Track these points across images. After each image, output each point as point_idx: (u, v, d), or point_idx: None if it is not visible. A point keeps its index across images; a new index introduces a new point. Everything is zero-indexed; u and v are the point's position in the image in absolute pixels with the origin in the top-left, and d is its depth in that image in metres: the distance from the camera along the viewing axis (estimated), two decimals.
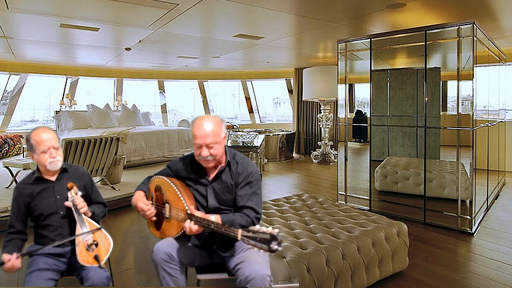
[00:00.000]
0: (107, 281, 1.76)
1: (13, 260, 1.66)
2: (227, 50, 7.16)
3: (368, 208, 4.49)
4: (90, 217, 1.92)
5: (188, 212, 1.75)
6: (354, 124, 5.12)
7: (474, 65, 3.61)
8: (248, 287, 1.67)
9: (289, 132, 9.27)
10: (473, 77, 3.61)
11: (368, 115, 4.62)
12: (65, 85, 9.79)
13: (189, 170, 1.96)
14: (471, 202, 3.75)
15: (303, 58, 8.41)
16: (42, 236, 1.91)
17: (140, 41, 6.04)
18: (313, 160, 8.50)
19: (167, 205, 1.89)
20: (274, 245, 1.42)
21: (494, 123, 5.01)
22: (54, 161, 1.86)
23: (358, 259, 2.39)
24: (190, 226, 1.71)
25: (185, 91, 13.29)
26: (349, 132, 4.83)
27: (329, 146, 8.46)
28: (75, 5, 4.11)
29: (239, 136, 6.06)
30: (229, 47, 6.81)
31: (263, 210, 2.98)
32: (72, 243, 1.86)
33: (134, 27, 5.12)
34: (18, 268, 1.69)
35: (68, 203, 1.87)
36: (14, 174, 5.09)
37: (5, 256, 1.66)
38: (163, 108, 11.13)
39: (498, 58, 5.14)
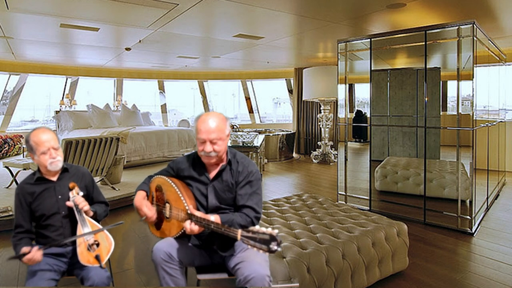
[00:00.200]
0: (107, 281, 1.77)
1: (34, 251, 1.66)
2: (227, 50, 7.16)
3: (368, 208, 4.49)
4: (92, 217, 1.92)
5: (189, 212, 1.75)
6: (354, 124, 5.12)
7: (474, 65, 3.61)
8: (247, 287, 1.67)
9: (289, 132, 9.27)
10: (473, 77, 3.61)
11: (368, 115, 4.63)
12: (65, 85, 9.79)
13: (191, 168, 1.96)
14: (471, 202, 3.75)
15: (303, 58, 8.41)
16: (44, 236, 1.91)
17: (140, 41, 6.04)
18: (313, 160, 8.50)
19: (167, 205, 1.89)
20: (273, 246, 1.42)
21: (494, 123, 5.01)
22: (54, 161, 1.86)
23: (358, 259, 2.39)
24: (191, 227, 1.71)
25: (185, 91, 13.31)
26: (349, 132, 4.83)
27: (329, 146, 8.46)
28: (75, 5, 4.11)
29: (239, 136, 6.06)
30: (229, 47, 6.81)
31: (263, 210, 2.98)
32: (73, 243, 1.86)
33: (134, 27, 5.12)
34: (39, 261, 1.69)
35: (69, 203, 1.87)
36: (14, 174, 5.10)
37: (25, 248, 1.67)
38: (163, 108, 11.13)
39: (498, 58, 5.14)
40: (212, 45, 6.63)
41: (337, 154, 6.11)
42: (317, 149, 8.75)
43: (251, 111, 11.70)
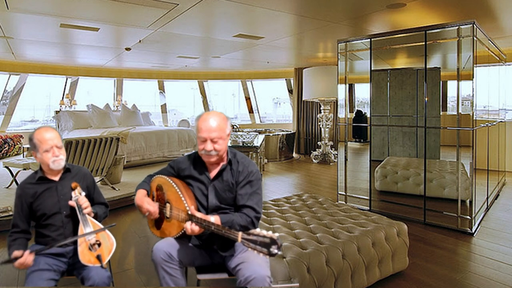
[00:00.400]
0: (108, 281, 1.77)
1: (25, 256, 1.66)
2: (227, 50, 7.16)
3: (368, 208, 4.49)
4: (93, 218, 1.92)
5: (189, 212, 1.75)
6: (354, 124, 5.12)
7: (474, 65, 3.61)
8: (248, 287, 1.67)
9: (289, 132, 9.27)
10: (473, 77, 3.61)
11: (368, 115, 4.63)
12: (65, 85, 9.79)
13: (192, 168, 1.97)
14: (471, 202, 3.75)
15: (303, 58, 8.41)
16: (44, 235, 1.91)
17: (140, 41, 6.04)
18: (313, 160, 8.50)
19: (168, 204, 1.89)
20: (274, 249, 1.42)
21: (494, 123, 5.01)
22: (57, 159, 1.87)
23: (358, 259, 2.39)
24: (192, 228, 1.71)
25: (185, 91, 13.31)
26: (349, 132, 4.83)
27: (329, 146, 8.46)
28: (75, 5, 4.11)
29: (239, 136, 6.06)
30: (229, 47, 6.81)
31: (263, 210, 2.98)
32: (74, 242, 1.86)
33: (134, 27, 5.12)
34: (30, 265, 1.69)
35: (72, 203, 1.87)
36: (14, 174, 5.10)
37: (17, 252, 1.66)
38: (163, 108, 11.13)
39: (498, 58, 5.14)
40: (212, 45, 6.63)
41: (337, 154, 6.11)
42: (317, 149, 8.75)
43: (251, 111, 11.70)
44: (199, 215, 1.73)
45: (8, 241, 1.84)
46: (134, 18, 4.67)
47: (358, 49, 4.66)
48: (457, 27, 3.71)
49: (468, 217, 3.71)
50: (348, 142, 4.84)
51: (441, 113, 4.47)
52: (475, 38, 3.63)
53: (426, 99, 4.08)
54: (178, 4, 4.06)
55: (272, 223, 2.74)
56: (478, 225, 3.86)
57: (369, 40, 4.42)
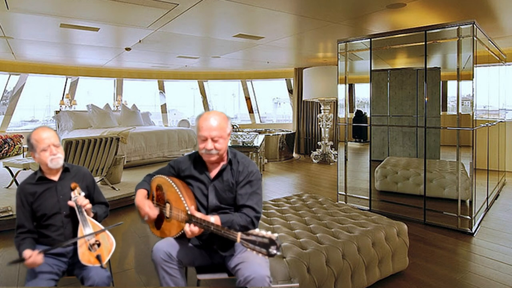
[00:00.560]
0: (108, 280, 1.77)
1: (34, 255, 1.67)
2: (227, 50, 7.16)
3: (368, 208, 4.49)
4: (92, 218, 1.92)
5: (189, 212, 1.75)
6: (354, 124, 5.12)
7: (474, 65, 3.61)
8: (247, 287, 1.67)
9: (289, 132, 9.27)
10: (473, 77, 3.61)
11: (368, 115, 4.63)
12: (65, 85, 9.79)
13: (192, 168, 1.97)
14: (471, 202, 3.75)
15: (303, 58, 8.41)
16: (45, 235, 1.92)
17: (140, 41, 6.04)
18: (313, 160, 8.50)
19: (167, 204, 1.89)
20: (273, 250, 1.42)
21: (494, 123, 5.01)
22: (55, 158, 1.87)
23: (358, 259, 2.39)
24: (191, 228, 1.71)
25: (185, 91, 13.31)
26: (349, 132, 4.83)
27: (329, 146, 8.46)
28: (75, 5, 4.11)
29: (239, 136, 6.06)
30: (229, 47, 6.81)
31: (263, 210, 2.98)
32: (74, 242, 1.87)
33: (134, 27, 5.12)
34: (39, 264, 1.70)
35: (71, 203, 1.88)
36: (14, 174, 5.10)
37: (27, 252, 1.67)
38: (163, 108, 11.13)
39: (498, 58, 5.14)
40: (212, 45, 6.63)
41: (337, 154, 6.11)
42: (317, 149, 8.75)
43: (251, 111, 11.70)
44: (198, 215, 1.73)
45: (16, 242, 1.84)
46: (134, 18, 4.67)
47: (358, 49, 4.66)
48: (457, 27, 3.71)
49: (468, 217, 3.71)
50: (348, 142, 4.84)
51: (441, 113, 4.47)
52: (475, 38, 3.63)
53: (426, 99, 4.08)
54: (178, 4, 4.06)
55: (272, 223, 2.74)
56: (478, 225, 3.86)
57: (369, 40, 4.42)
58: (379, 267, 2.57)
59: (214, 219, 1.74)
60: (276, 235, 1.46)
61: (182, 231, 1.80)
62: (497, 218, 4.15)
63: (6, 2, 3.90)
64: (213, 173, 1.93)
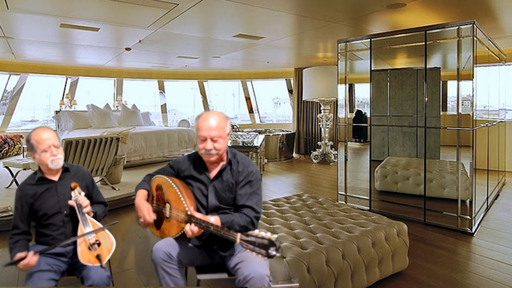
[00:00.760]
0: (107, 280, 1.77)
1: (29, 257, 1.66)
2: (227, 50, 7.16)
3: (368, 208, 4.49)
4: (92, 217, 1.92)
5: (188, 213, 1.75)
6: (354, 124, 5.12)
7: (474, 65, 3.61)
8: (247, 287, 1.67)
9: (289, 132, 9.27)
10: (473, 77, 3.61)
11: (368, 115, 4.63)
12: (65, 85, 9.79)
13: (192, 168, 1.97)
14: (471, 202, 3.75)
15: (303, 58, 8.41)
16: (45, 235, 1.92)
17: (140, 41, 6.04)
18: (313, 160, 8.50)
19: (167, 205, 1.89)
20: (272, 251, 1.42)
21: (494, 123, 5.01)
22: (55, 159, 1.87)
23: (358, 259, 2.39)
24: (191, 228, 1.71)
25: (185, 91, 13.31)
26: (349, 132, 4.83)
27: (329, 146, 8.46)
28: (75, 5, 4.11)
29: (239, 136, 6.06)
30: (229, 47, 6.81)
31: (263, 210, 2.98)
32: (74, 242, 1.87)
33: (134, 27, 5.12)
34: (34, 265, 1.70)
35: (71, 203, 1.88)
36: (14, 174, 5.10)
37: (20, 254, 1.67)
38: (163, 108, 11.13)
39: (498, 58, 5.14)
40: (212, 45, 6.63)
41: (337, 154, 6.11)
42: (317, 149, 8.75)
43: (251, 111, 11.70)
44: (198, 215, 1.73)
45: (9, 243, 1.83)
46: (134, 18, 4.67)
47: (358, 49, 4.66)
48: (457, 27, 3.71)
49: (468, 217, 3.71)
50: (348, 142, 4.84)
51: (441, 113, 4.47)
52: (475, 38, 3.63)
53: (426, 99, 4.08)
54: (178, 4, 4.06)
55: (272, 223, 2.74)
56: (478, 225, 3.86)
57: (369, 40, 4.42)
58: (379, 267, 2.57)
59: (214, 219, 1.74)
60: (275, 236, 1.46)
61: (182, 231, 1.80)
62: (497, 218, 4.15)
63: (6, 2, 3.90)
64: (212, 173, 1.93)
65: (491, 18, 4.72)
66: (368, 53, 4.42)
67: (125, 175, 5.88)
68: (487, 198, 4.50)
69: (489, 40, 4.40)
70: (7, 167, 5.20)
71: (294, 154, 9.59)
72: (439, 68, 4.37)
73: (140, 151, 7.13)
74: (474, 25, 3.60)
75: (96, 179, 5.16)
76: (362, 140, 4.92)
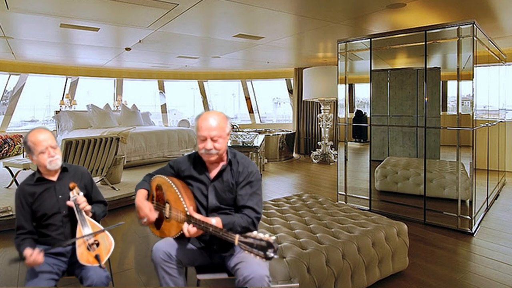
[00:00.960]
0: (106, 280, 1.77)
1: (35, 254, 1.67)
2: (227, 50, 7.16)
3: (368, 208, 4.48)
4: (91, 217, 1.92)
5: (188, 213, 1.75)
6: (354, 124, 5.12)
7: (474, 65, 3.61)
8: (247, 287, 1.67)
9: (289, 132, 9.27)
10: (473, 77, 3.61)
11: (368, 115, 4.62)
12: (65, 85, 9.79)
13: (192, 168, 1.97)
14: (471, 202, 3.75)
15: (303, 58, 8.41)
16: (45, 235, 1.92)
17: (140, 41, 6.04)
18: (313, 160, 8.50)
19: (167, 205, 1.89)
20: (270, 253, 1.42)
21: (494, 123, 5.01)
22: (53, 160, 1.87)
23: (358, 259, 2.39)
24: (188, 229, 1.71)
25: (185, 91, 13.31)
26: (349, 132, 4.83)
27: (329, 146, 8.46)
28: (75, 5, 4.11)
29: (239, 136, 6.06)
30: (229, 47, 6.81)
31: (263, 210, 2.98)
32: (74, 242, 1.86)
33: (134, 27, 5.12)
34: (40, 263, 1.70)
35: (70, 203, 1.88)
36: (14, 174, 5.09)
37: (28, 251, 1.67)
38: (163, 108, 11.13)
39: (498, 58, 5.14)
40: (212, 45, 6.63)
41: (337, 154, 6.11)
42: (317, 149, 8.75)
43: (251, 111, 11.70)
44: (197, 216, 1.73)
45: (16, 243, 1.83)
46: (134, 18, 4.67)
47: (358, 49, 4.66)
48: (457, 27, 3.71)
49: (468, 217, 3.71)
50: (348, 142, 4.84)
51: (441, 113, 4.47)
52: (475, 38, 3.63)
53: (426, 99, 4.08)
54: (178, 4, 4.06)
55: (272, 223, 2.74)
56: (478, 225, 3.86)
57: (369, 40, 4.42)
58: (379, 267, 2.57)
59: (215, 220, 1.73)
60: (273, 238, 1.46)
61: (181, 232, 1.80)
62: (497, 218, 4.15)
63: (6, 2, 3.90)
64: (213, 174, 1.93)
65: (491, 18, 4.72)
66: (368, 53, 4.42)
67: (125, 175, 5.88)
68: (487, 198, 4.50)
69: (489, 40, 4.40)
70: (7, 167, 5.20)
71: (294, 154, 9.59)
72: (439, 68, 4.37)
73: (140, 151, 7.13)
74: (474, 25, 3.60)
75: (96, 179, 5.16)
76: (362, 140, 4.92)
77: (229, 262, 1.85)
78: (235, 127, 10.20)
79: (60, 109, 9.13)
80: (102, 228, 1.85)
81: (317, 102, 9.29)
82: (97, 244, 1.78)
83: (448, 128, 4.09)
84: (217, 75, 11.15)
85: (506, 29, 5.30)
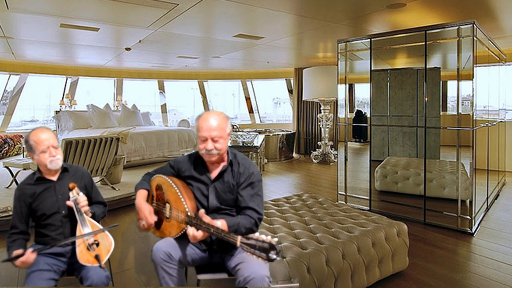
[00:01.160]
0: (106, 280, 1.77)
1: (27, 254, 1.67)
2: (227, 50, 7.16)
3: (368, 208, 4.48)
4: (91, 217, 1.92)
5: (189, 214, 1.75)
6: (354, 124, 5.12)
7: (474, 65, 3.61)
8: (247, 287, 1.67)
9: (289, 132, 9.27)
10: (473, 77, 3.61)
11: (368, 115, 4.62)
12: (65, 85, 9.79)
13: (192, 168, 1.97)
14: (471, 202, 3.75)
15: (303, 58, 8.41)
16: (44, 235, 1.92)
17: (140, 41, 6.04)
18: (313, 160, 8.50)
19: (167, 205, 1.89)
20: (272, 255, 1.42)
21: (494, 123, 5.01)
22: (54, 159, 1.87)
23: (358, 259, 2.39)
24: (194, 234, 1.69)
25: (185, 91, 13.31)
26: (349, 132, 4.83)
27: (329, 146, 8.46)
28: (75, 5, 4.11)
29: (239, 136, 6.06)
30: (229, 47, 6.81)
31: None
32: (73, 242, 1.86)
33: (134, 27, 5.12)
34: (31, 263, 1.70)
35: (69, 203, 1.88)
36: (14, 174, 5.10)
37: (18, 251, 1.67)
38: (163, 108, 11.13)
39: (498, 58, 5.14)
40: (212, 45, 6.63)
41: (337, 154, 6.11)
42: (317, 149, 8.75)
43: (251, 111, 11.70)
44: (203, 218, 1.72)
45: (7, 242, 1.84)
46: (134, 18, 4.67)
47: (358, 49, 4.66)
48: (457, 27, 3.71)
49: (468, 217, 3.71)
50: (348, 142, 4.84)
51: (441, 113, 4.46)
52: (475, 38, 3.63)
53: (426, 99, 4.08)
54: (178, 4, 4.06)
55: (272, 223, 2.73)
56: (478, 225, 3.86)
57: (369, 40, 4.42)
58: (379, 267, 2.57)
59: (220, 223, 1.73)
60: (276, 239, 1.46)
61: (182, 232, 1.80)
62: (497, 218, 4.15)
63: (6, 2, 3.90)
64: (213, 174, 1.93)
65: (491, 18, 4.72)
66: (368, 53, 4.42)
67: (125, 175, 5.88)
68: (487, 198, 4.50)
69: (489, 40, 4.40)
70: (7, 167, 5.20)
71: (294, 154, 9.59)
72: (439, 68, 4.37)
73: (140, 151, 7.13)
74: (474, 25, 3.60)
75: (96, 179, 5.16)
76: (362, 140, 4.92)
77: (229, 262, 1.85)
78: (235, 127, 10.20)
79: (60, 109, 9.13)
80: (102, 228, 1.85)
81: (317, 102, 9.29)
82: (97, 244, 1.78)
83: (448, 128, 4.09)
84: (217, 75, 11.15)
85: (506, 29, 5.30)
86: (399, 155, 4.87)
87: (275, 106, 15.00)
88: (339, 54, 4.79)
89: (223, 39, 6.02)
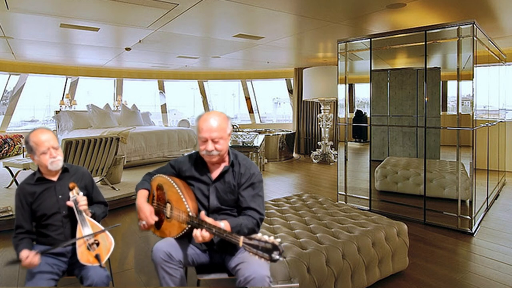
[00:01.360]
0: (106, 280, 1.77)
1: (31, 256, 1.67)
2: (227, 50, 7.16)
3: (368, 208, 4.49)
4: (91, 217, 1.92)
5: (190, 214, 1.75)
6: (354, 124, 5.12)
7: (474, 65, 3.61)
8: (247, 287, 1.67)
9: (289, 132, 9.27)
10: (473, 77, 3.61)
11: (368, 115, 4.63)
12: (65, 85, 9.79)
13: (193, 168, 1.97)
14: (471, 202, 3.75)
15: (303, 58, 8.41)
16: (45, 235, 1.92)
17: (140, 41, 6.04)
18: (313, 160, 8.50)
19: (168, 205, 1.89)
20: (275, 255, 1.42)
21: (494, 123, 5.01)
22: (55, 160, 1.87)
23: (358, 259, 2.39)
24: (202, 234, 1.67)
25: (185, 91, 13.31)
26: (349, 132, 4.83)
27: (329, 146, 8.46)
28: (75, 5, 4.11)
29: (239, 136, 6.06)
30: (229, 47, 6.81)
31: None
32: (74, 242, 1.86)
33: (134, 27, 5.12)
34: (36, 264, 1.70)
35: (69, 203, 1.88)
36: (14, 174, 5.10)
37: (24, 253, 1.67)
38: (163, 108, 11.13)
39: (498, 58, 5.14)
40: (212, 45, 6.63)
41: (337, 154, 6.11)
42: (317, 149, 8.75)
43: (251, 111, 11.70)
44: (205, 218, 1.72)
45: (14, 242, 1.84)
46: (134, 18, 4.67)
47: (358, 49, 4.66)
48: (457, 27, 3.71)
49: (468, 217, 3.71)
50: (348, 142, 4.84)
51: (441, 113, 4.47)
52: (475, 38, 3.63)
53: (426, 99, 4.08)
54: (178, 4, 4.06)
55: (272, 223, 2.74)
56: (478, 225, 3.86)
57: (369, 40, 4.42)
58: (379, 267, 2.57)
59: (224, 224, 1.73)
60: (278, 240, 1.45)
61: (183, 232, 1.80)
62: (497, 218, 4.15)
63: (6, 2, 3.90)
64: (214, 174, 1.93)
65: (491, 18, 4.72)
66: (368, 53, 4.42)
67: (125, 175, 5.88)
68: (487, 198, 4.50)
69: (489, 40, 4.40)
70: (7, 167, 5.20)
71: (294, 154, 9.59)
72: (439, 68, 4.37)
73: (140, 151, 7.13)
74: (474, 25, 3.60)
75: (96, 179, 5.16)
76: (362, 140, 4.92)
77: (229, 262, 1.85)
78: (235, 127, 10.20)
79: (60, 109, 9.13)
80: (102, 228, 1.85)
81: (317, 102, 9.29)
82: (97, 244, 1.78)
83: (448, 128, 4.09)
84: (217, 75, 11.15)
85: (506, 29, 5.30)
86: (399, 155, 4.87)
87: (275, 106, 15.00)
88: (339, 54, 4.79)
89: (223, 39, 6.02)
